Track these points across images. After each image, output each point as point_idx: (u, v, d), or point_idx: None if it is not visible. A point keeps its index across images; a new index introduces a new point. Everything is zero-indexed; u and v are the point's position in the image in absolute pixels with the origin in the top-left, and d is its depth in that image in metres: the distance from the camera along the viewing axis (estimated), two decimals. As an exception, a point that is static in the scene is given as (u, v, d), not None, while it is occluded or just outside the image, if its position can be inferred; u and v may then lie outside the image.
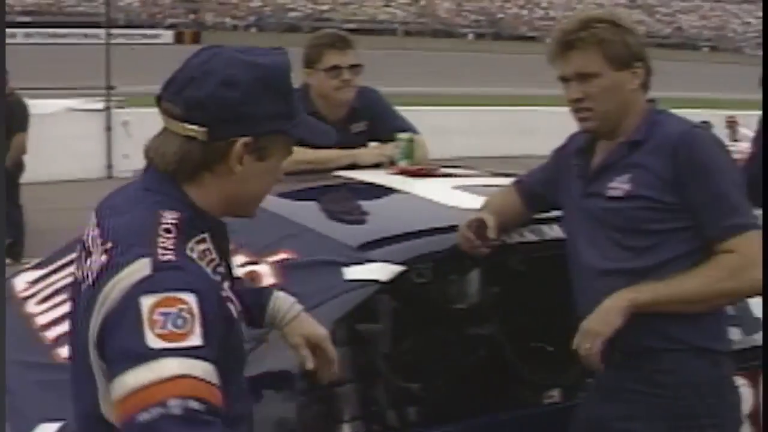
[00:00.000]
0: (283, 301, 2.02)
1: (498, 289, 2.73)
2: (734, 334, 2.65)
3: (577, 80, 2.38)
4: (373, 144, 3.76)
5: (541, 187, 2.67)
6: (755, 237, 2.27)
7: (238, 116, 1.63)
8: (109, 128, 12.96)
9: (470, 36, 73.66)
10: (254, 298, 1.99)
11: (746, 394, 2.68)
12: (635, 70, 2.39)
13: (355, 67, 3.66)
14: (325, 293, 2.34)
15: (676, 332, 2.33)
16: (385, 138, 3.66)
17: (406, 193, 3.05)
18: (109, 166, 12.88)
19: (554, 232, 2.69)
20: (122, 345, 1.47)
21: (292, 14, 71.57)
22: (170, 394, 1.42)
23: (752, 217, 2.31)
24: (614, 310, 2.26)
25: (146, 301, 1.47)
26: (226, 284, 1.67)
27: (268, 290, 2.06)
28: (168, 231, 1.58)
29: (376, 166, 3.55)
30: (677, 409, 2.31)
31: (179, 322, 1.47)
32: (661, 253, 2.30)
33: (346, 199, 3.19)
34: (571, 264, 2.49)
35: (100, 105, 13.07)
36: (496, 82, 30.22)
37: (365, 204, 3.10)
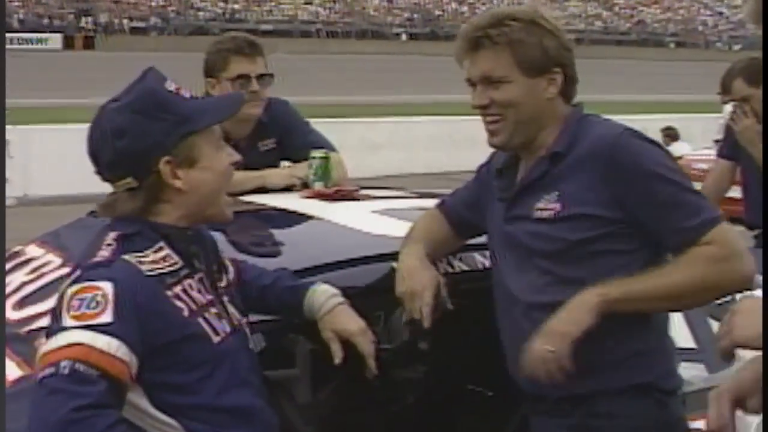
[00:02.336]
0: (320, 295, 2.39)
1: (443, 317, 2.73)
2: (697, 370, 2.66)
3: (483, 84, 2.37)
4: (284, 163, 3.74)
5: (466, 210, 2.66)
6: (729, 228, 2.24)
7: (143, 151, 2.06)
8: (-16, 149, 12.71)
9: (403, 36, 74.21)
10: (291, 296, 2.41)
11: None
12: (553, 77, 2.36)
13: (264, 77, 3.63)
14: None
15: (608, 369, 2.28)
16: (298, 156, 3.64)
17: (320, 219, 3.05)
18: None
19: (488, 260, 2.72)
20: (50, 329, 1.99)
21: (201, 14, 71.22)
22: (63, 357, 1.90)
23: (716, 209, 2.28)
24: (583, 306, 2.20)
25: (69, 291, 2.00)
26: (187, 283, 2.09)
27: (304, 286, 2.42)
28: (109, 244, 2.06)
29: (288, 189, 3.54)
30: None
31: (92, 304, 1.95)
32: (600, 280, 2.24)
33: (253, 228, 3.17)
34: (497, 296, 2.48)
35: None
36: (432, 89, 30.44)
37: (275, 233, 3.08)
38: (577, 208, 2.30)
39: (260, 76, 3.61)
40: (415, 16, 79.35)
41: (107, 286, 1.97)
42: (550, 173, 2.36)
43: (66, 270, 2.63)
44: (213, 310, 2.15)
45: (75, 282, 2.01)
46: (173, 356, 2.03)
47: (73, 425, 1.85)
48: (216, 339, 2.11)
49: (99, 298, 1.96)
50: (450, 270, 2.71)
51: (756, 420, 2.04)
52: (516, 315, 2.37)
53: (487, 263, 2.71)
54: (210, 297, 2.16)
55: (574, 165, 2.32)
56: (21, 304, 2.61)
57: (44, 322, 2.46)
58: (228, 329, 2.16)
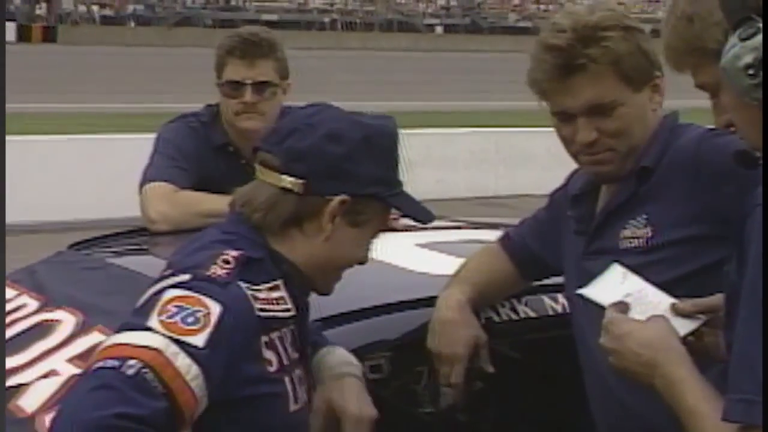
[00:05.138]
0: (332, 358, 2.38)
1: (482, 384, 2.77)
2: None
3: (588, 116, 2.39)
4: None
5: (536, 245, 2.71)
6: None
7: (339, 172, 2.15)
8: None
9: (438, 29, 74.43)
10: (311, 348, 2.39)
11: None
12: (656, 83, 2.43)
13: (262, 86, 3.59)
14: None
15: None
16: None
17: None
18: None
19: (559, 305, 2.77)
20: (127, 321, 2.03)
21: (189, 1, 71.61)
22: (134, 356, 1.93)
23: None
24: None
25: (169, 293, 2.04)
26: (284, 331, 2.14)
27: (323, 342, 2.43)
28: (227, 262, 2.09)
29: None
30: None
31: (190, 319, 1.99)
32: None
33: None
34: (581, 353, 2.53)
35: None
36: (474, 93, 30.52)
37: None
38: (670, 232, 2.35)
39: (257, 84, 3.59)
40: (453, 3, 79.49)
41: (216, 308, 2.02)
42: (638, 194, 2.41)
43: (47, 315, 2.68)
44: (297, 371, 2.20)
45: (179, 286, 2.06)
46: (245, 413, 2.07)
47: None
48: (293, 407, 2.16)
49: (201, 316, 2.01)
50: (513, 316, 2.76)
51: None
52: (601, 372, 2.39)
53: (558, 308, 2.75)
54: (297, 356, 2.21)
55: (661, 181, 2.38)
56: None
57: (21, 378, 2.51)
58: (305, 398, 2.22)
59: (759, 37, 1.75)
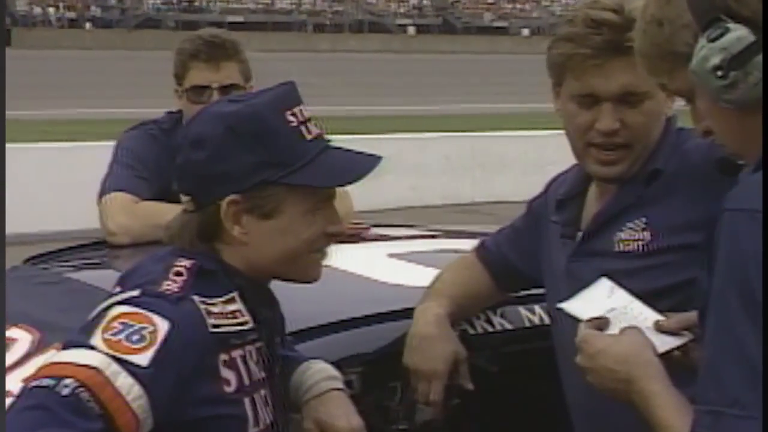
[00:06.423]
0: (314, 374, 2.35)
1: (459, 400, 2.78)
2: None
3: (616, 103, 2.39)
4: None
5: (514, 255, 2.72)
6: None
7: (213, 176, 2.12)
8: None
9: (410, 30, 74.56)
10: (284, 366, 2.33)
11: None
12: None
13: (229, 90, 3.55)
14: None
15: None
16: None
17: (324, 265, 3.08)
18: None
19: (536, 316, 2.78)
20: (70, 339, 2.02)
21: (150, 1, 71.41)
22: (70, 375, 1.92)
23: None
24: None
25: (116, 310, 2.02)
26: (248, 350, 2.12)
27: (300, 358, 2.39)
28: (179, 274, 2.08)
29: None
30: None
31: (135, 337, 1.97)
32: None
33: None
34: (562, 367, 2.53)
35: None
36: (448, 96, 30.56)
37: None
38: (669, 238, 2.36)
39: (224, 88, 3.56)
40: (425, 3, 79.62)
41: (163, 325, 1.99)
42: (644, 196, 2.42)
43: None
44: (263, 392, 2.17)
45: (127, 302, 2.04)
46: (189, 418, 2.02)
47: None
48: (253, 430, 2.12)
49: (146, 333, 1.98)
50: (489, 329, 2.76)
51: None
52: (583, 386, 2.38)
53: (535, 319, 2.76)
54: (264, 375, 2.18)
55: (667, 185, 2.40)
56: None
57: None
58: (269, 420, 2.17)
59: (727, 38, 1.76)
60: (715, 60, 1.77)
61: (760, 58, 1.76)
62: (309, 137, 2.16)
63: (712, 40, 1.78)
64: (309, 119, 2.17)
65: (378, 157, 2.21)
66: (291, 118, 2.14)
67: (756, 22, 1.77)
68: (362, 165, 2.20)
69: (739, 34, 1.77)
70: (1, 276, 2.70)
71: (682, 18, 1.87)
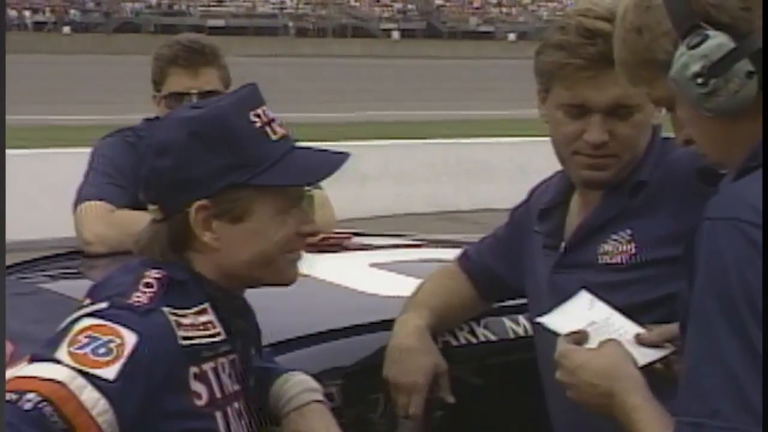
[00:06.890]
0: (293, 386, 2.33)
1: (441, 413, 2.77)
2: None
3: (606, 115, 2.40)
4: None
5: (497, 264, 2.72)
6: None
7: (180, 183, 2.11)
8: None
9: (394, 34, 74.65)
10: (260, 378, 2.33)
11: None
12: None
13: (209, 96, 3.47)
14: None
15: None
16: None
17: (302, 275, 3.08)
18: None
19: (520, 326, 2.77)
20: (36, 352, 2.02)
21: (129, 5, 71.45)
22: (34, 389, 1.92)
23: None
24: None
25: (83, 323, 2.02)
26: (221, 362, 2.12)
27: (279, 370, 2.39)
28: (149, 285, 2.08)
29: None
30: None
31: (101, 350, 1.97)
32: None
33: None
34: (545, 380, 2.52)
35: None
36: (434, 102, 30.61)
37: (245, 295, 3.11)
38: (654, 251, 2.36)
39: (204, 95, 3.52)
40: (410, 7, 79.76)
41: (130, 338, 1.99)
42: (629, 207, 2.43)
43: None
44: (236, 405, 2.16)
45: (94, 315, 2.04)
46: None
47: None
48: None
49: (113, 347, 1.98)
50: (473, 340, 2.76)
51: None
52: (566, 400, 2.38)
53: (520, 330, 2.76)
54: (237, 387, 2.18)
55: (652, 196, 2.40)
56: None
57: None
58: None
59: (707, 45, 1.77)
60: (695, 67, 1.78)
61: (740, 65, 1.77)
62: (274, 137, 2.16)
63: (692, 48, 1.79)
64: (273, 119, 2.18)
65: (345, 154, 2.24)
66: (255, 119, 2.15)
67: (735, 29, 1.78)
68: (330, 163, 2.23)
69: (719, 41, 1.78)
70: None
71: (661, 25, 1.87)
